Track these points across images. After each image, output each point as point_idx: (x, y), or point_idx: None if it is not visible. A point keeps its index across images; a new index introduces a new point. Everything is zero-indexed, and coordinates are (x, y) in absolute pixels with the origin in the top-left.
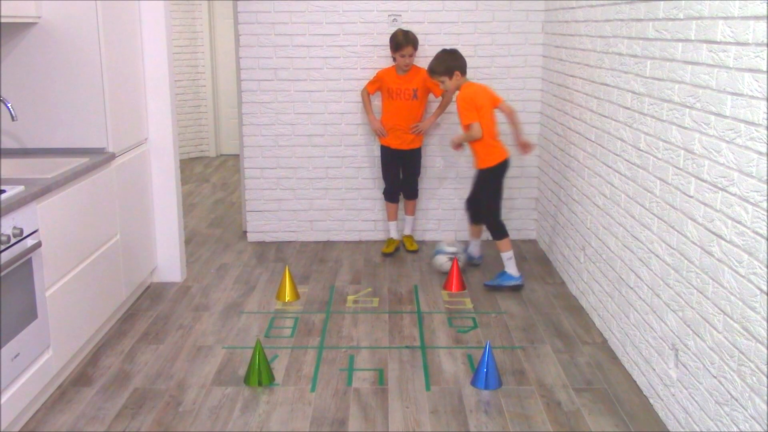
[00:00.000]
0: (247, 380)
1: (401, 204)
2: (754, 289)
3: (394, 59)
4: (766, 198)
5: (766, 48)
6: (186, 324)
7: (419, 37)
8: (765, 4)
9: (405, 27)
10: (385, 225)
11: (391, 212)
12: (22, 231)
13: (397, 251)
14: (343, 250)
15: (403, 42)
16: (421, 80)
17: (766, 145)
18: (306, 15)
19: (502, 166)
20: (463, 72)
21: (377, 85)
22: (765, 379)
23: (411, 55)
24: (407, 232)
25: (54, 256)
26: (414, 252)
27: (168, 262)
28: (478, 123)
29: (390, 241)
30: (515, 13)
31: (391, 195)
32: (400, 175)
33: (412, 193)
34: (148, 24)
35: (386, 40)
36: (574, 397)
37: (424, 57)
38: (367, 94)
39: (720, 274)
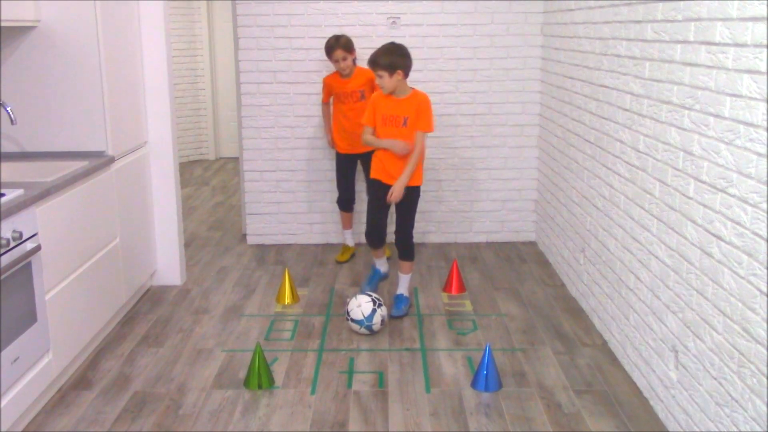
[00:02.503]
0: (247, 383)
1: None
2: (753, 290)
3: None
4: (765, 199)
5: (764, 49)
6: (186, 327)
7: (419, 40)
8: (764, 6)
9: (404, 29)
10: None
11: (345, 220)
12: (21, 234)
13: (352, 258)
14: None
15: (332, 45)
16: (366, 80)
17: (765, 146)
18: (305, 17)
19: None
20: (407, 74)
21: (326, 90)
22: (765, 380)
23: (344, 59)
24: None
25: (53, 260)
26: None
27: (168, 265)
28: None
29: (345, 248)
30: (514, 15)
31: (344, 203)
32: (355, 184)
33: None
34: (147, 27)
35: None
36: (575, 398)
37: (422, 60)
38: (323, 106)
39: (720, 275)
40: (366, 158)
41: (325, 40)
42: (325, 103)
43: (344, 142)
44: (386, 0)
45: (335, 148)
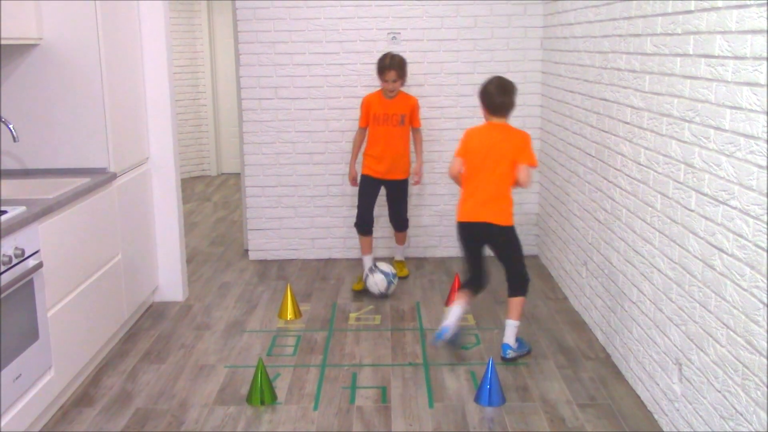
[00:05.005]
0: (249, 399)
1: (383, 231)
2: (756, 302)
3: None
4: (766, 211)
5: (764, 61)
6: (188, 343)
7: (419, 55)
8: (762, 18)
9: (404, 44)
10: (387, 242)
11: (365, 245)
12: (23, 251)
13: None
14: (345, 268)
15: (387, 66)
16: (409, 107)
17: (765, 158)
18: (306, 34)
19: (461, 228)
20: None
21: (365, 111)
22: None
23: (395, 81)
24: (398, 257)
25: (55, 277)
26: (404, 278)
27: (170, 281)
28: (460, 159)
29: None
30: (514, 30)
31: (363, 227)
32: (375, 207)
33: (401, 224)
34: (149, 44)
35: None
36: (578, 413)
37: (422, 74)
38: (359, 133)
39: (722, 287)
40: (391, 185)
41: (325, 56)
42: (362, 128)
43: (373, 162)
44: (387, 16)
45: (362, 173)
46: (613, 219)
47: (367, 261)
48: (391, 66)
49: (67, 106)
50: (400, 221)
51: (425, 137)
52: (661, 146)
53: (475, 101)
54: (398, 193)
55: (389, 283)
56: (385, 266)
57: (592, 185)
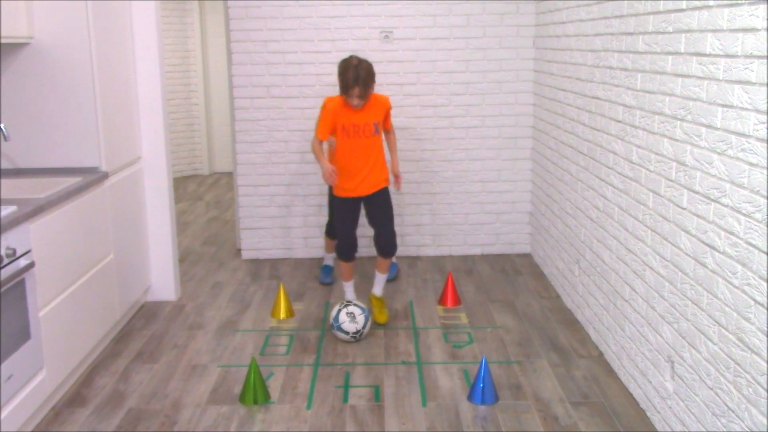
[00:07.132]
0: (242, 399)
1: (362, 251)
2: (748, 299)
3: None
4: (758, 209)
5: (755, 60)
6: (180, 343)
7: (412, 53)
8: (753, 17)
9: (396, 43)
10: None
11: (347, 271)
12: (15, 251)
13: None
14: (338, 267)
15: (350, 84)
16: (382, 111)
17: (757, 156)
18: (298, 32)
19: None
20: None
21: (328, 120)
22: (761, 390)
23: (360, 97)
24: (377, 292)
25: (47, 276)
26: (384, 324)
27: (162, 280)
28: None
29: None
30: (506, 28)
31: (347, 253)
32: (357, 227)
33: (389, 248)
34: (141, 42)
35: (378, 57)
36: (571, 410)
37: (415, 73)
38: (316, 142)
39: (714, 285)
40: (372, 198)
41: (317, 55)
42: (322, 140)
43: (347, 182)
44: (379, 14)
45: (335, 192)
46: (606, 217)
47: (349, 288)
48: (356, 82)
49: (59, 105)
50: (388, 244)
51: (417, 136)
52: (653, 144)
53: (469, 100)
54: (382, 203)
55: (354, 336)
56: (354, 322)
57: (585, 183)
